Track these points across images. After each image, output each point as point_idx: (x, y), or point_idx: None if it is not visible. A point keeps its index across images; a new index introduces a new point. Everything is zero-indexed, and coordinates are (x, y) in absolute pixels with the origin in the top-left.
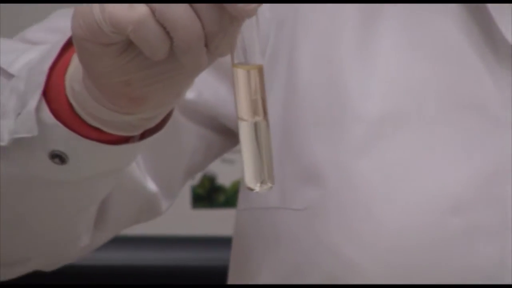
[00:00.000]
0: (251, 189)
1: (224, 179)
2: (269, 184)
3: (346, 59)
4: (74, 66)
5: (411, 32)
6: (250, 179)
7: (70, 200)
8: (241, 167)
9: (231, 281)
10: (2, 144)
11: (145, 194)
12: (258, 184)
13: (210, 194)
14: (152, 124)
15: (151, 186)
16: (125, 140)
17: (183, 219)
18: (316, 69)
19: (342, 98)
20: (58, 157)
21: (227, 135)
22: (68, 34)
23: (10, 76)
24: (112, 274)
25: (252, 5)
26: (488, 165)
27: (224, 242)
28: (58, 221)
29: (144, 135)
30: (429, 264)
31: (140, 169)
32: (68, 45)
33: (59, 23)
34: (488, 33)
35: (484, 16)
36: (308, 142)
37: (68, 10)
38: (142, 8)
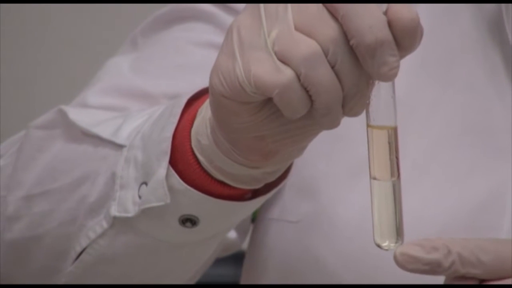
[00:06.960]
0: (380, 246)
1: None
2: (400, 242)
3: None
4: (200, 121)
5: (424, 52)
6: (381, 237)
7: (188, 259)
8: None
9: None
10: (129, 215)
11: (227, 241)
12: (387, 242)
13: None
14: (273, 178)
15: (231, 234)
16: (241, 195)
17: None
18: None
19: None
20: (189, 221)
21: None
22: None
23: (117, 146)
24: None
25: (395, 70)
26: (482, 193)
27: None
28: (172, 280)
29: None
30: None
31: None
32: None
33: (115, 82)
34: (505, 57)
35: (502, 39)
36: (310, 155)
37: (113, 63)
38: (288, 72)
